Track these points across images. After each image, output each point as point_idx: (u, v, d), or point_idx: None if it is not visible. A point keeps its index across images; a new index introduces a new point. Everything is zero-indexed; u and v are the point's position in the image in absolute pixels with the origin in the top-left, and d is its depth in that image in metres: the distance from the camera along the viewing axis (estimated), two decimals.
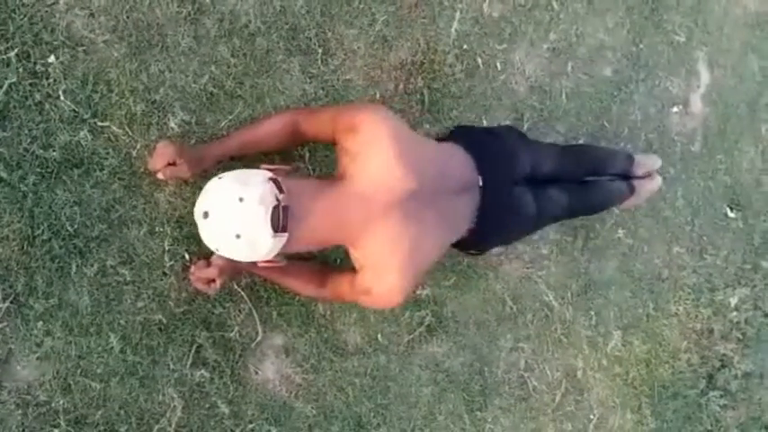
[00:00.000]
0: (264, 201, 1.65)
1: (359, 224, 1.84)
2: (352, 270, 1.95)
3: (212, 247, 1.73)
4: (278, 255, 1.77)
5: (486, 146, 2.22)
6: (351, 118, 1.87)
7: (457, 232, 2.15)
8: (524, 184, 2.28)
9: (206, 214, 1.66)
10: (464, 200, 2.12)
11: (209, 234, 1.70)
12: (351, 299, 1.99)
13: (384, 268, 1.86)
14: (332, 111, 2.01)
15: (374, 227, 1.84)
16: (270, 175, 1.74)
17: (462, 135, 2.31)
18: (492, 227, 2.19)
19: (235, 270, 2.03)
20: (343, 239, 1.89)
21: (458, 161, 2.14)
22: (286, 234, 1.70)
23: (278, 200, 1.68)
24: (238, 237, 1.65)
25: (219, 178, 1.73)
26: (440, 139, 2.33)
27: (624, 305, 3.09)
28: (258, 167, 1.81)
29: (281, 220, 1.67)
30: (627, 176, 2.81)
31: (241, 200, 1.64)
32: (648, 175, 2.88)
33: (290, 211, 1.70)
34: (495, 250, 2.63)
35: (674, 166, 3.18)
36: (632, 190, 2.79)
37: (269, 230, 1.66)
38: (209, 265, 1.98)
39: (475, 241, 2.23)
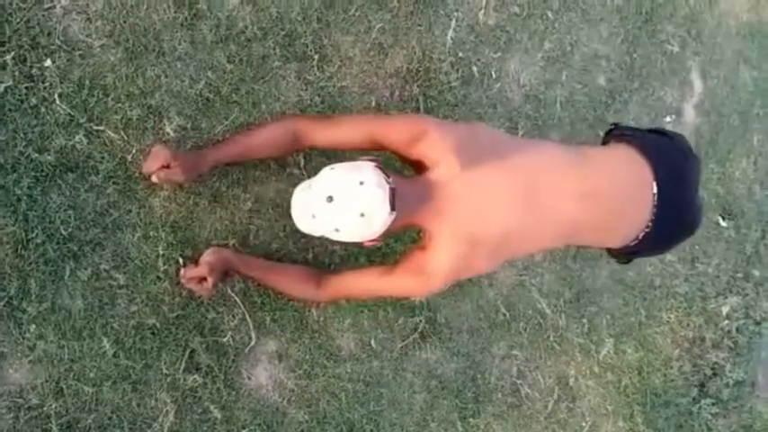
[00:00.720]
0: (381, 184, 1.80)
1: (441, 209, 1.93)
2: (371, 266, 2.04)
3: (331, 228, 1.81)
4: (382, 234, 1.87)
5: (665, 150, 2.20)
6: (407, 130, 1.96)
7: (565, 242, 2.21)
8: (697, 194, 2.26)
9: (330, 198, 1.77)
10: (609, 208, 2.08)
11: (333, 216, 1.79)
12: (375, 287, 2.05)
13: (444, 249, 1.93)
14: (359, 122, 2.08)
15: (446, 214, 1.93)
16: (374, 163, 1.87)
17: (631, 137, 2.25)
18: (663, 238, 2.20)
19: (225, 267, 2.04)
20: (423, 221, 1.97)
21: (605, 166, 2.13)
22: (395, 213, 1.83)
23: (389, 183, 1.82)
24: (362, 215, 1.78)
25: (332, 168, 1.84)
26: (604, 142, 2.34)
27: (616, 313, 3.10)
28: (358, 159, 1.91)
29: (393, 200, 1.81)
30: None
31: (362, 183, 1.78)
32: None
33: (396, 194, 1.82)
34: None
35: None
36: None
37: (388, 209, 1.80)
38: (198, 264, 2.00)
39: (643, 249, 2.22)
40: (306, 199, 1.84)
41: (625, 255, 2.31)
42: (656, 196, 2.11)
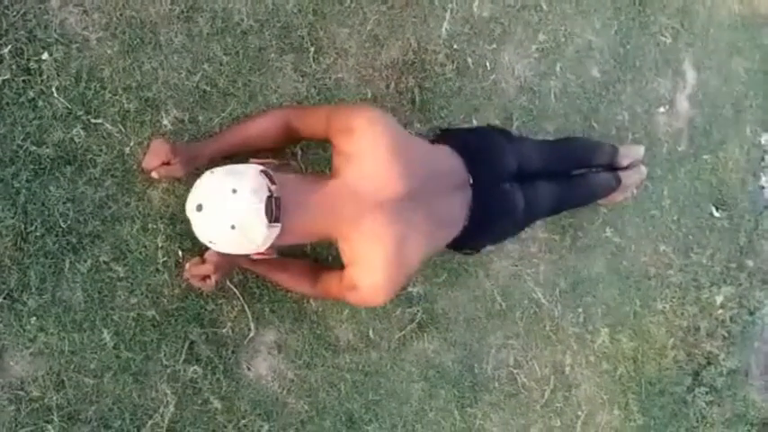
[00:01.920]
0: (258, 191, 1.68)
1: (349, 219, 1.86)
2: (342, 267, 1.96)
3: (206, 240, 1.75)
4: (270, 247, 1.79)
5: (473, 145, 2.25)
6: (346, 119, 1.89)
7: (450, 232, 2.17)
8: (513, 181, 2.31)
9: (199, 207, 1.69)
10: (457, 199, 2.14)
11: (204, 227, 1.72)
12: (339, 296, 2.00)
13: (371, 264, 1.87)
14: (326, 110, 2.02)
15: (363, 223, 1.86)
16: (261, 167, 1.77)
17: (449, 137, 2.32)
18: (484, 225, 2.23)
19: (230, 266, 2.04)
20: (333, 233, 1.90)
21: (448, 162, 2.16)
22: (279, 224, 1.72)
23: (270, 191, 1.71)
24: (233, 228, 1.67)
25: (211, 172, 1.75)
26: (431, 142, 2.34)
27: (612, 303, 3.12)
28: (247, 162, 1.84)
29: (273, 210, 1.70)
30: (613, 168, 2.84)
31: (234, 191, 1.66)
32: (634, 166, 2.91)
33: (282, 203, 1.72)
34: (487, 248, 2.64)
35: (661, 166, 3.23)
36: (619, 181, 2.83)
37: (263, 220, 1.68)
38: (203, 261, 1.98)
39: (468, 240, 2.25)
40: (186, 205, 1.76)
41: (458, 245, 2.30)
42: (472, 188, 2.16)
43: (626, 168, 2.88)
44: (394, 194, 1.88)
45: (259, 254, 1.81)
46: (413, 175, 1.92)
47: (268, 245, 1.76)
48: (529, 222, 2.57)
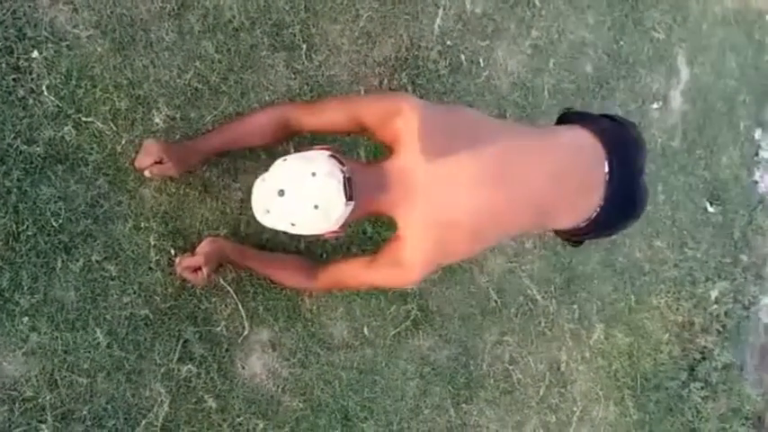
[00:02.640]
0: (334, 173, 1.75)
1: (406, 198, 1.88)
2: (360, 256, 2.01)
3: (287, 223, 1.78)
4: (342, 225, 1.84)
5: (615, 134, 2.19)
6: (383, 108, 1.90)
7: (555, 219, 2.13)
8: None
9: (281, 192, 1.73)
10: (581, 186, 2.08)
11: (286, 210, 1.76)
12: (359, 280, 2.03)
13: (417, 239, 1.89)
14: (343, 102, 2.05)
15: (418, 204, 1.88)
16: (329, 152, 1.83)
17: (586, 120, 2.25)
18: (612, 219, 2.19)
19: (221, 258, 2.05)
20: (391, 210, 1.93)
21: (568, 147, 2.11)
22: (353, 202, 1.79)
23: (343, 172, 1.77)
24: (316, 207, 1.74)
25: (284, 160, 1.80)
26: (559, 122, 2.33)
27: (606, 299, 3.13)
28: (311, 149, 1.88)
29: (347, 189, 1.77)
30: None
31: (314, 174, 1.73)
32: None
33: (353, 182, 1.78)
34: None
35: (655, 162, 3.23)
36: None
37: (343, 199, 1.76)
38: (194, 253, 1.99)
39: (594, 231, 2.21)
40: (260, 193, 1.80)
41: (577, 236, 2.29)
42: (607, 176, 2.10)
43: None
44: (451, 175, 1.89)
45: (332, 232, 1.85)
46: (479, 157, 1.91)
47: (341, 222, 1.82)
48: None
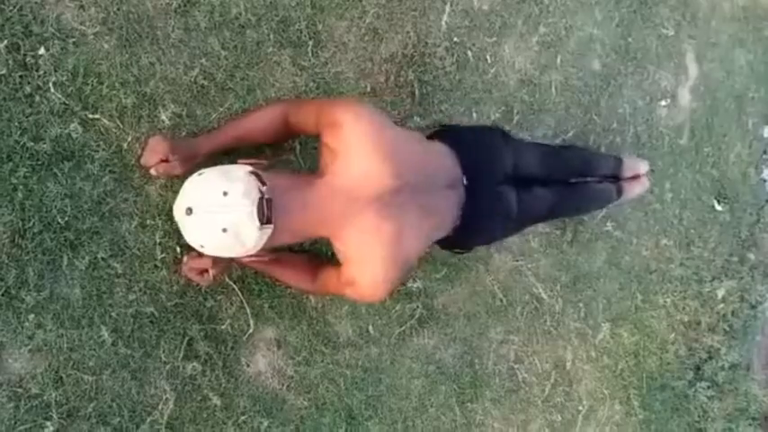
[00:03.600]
0: (249, 193, 1.64)
1: (340, 218, 1.83)
2: (339, 263, 1.95)
3: (196, 244, 1.72)
4: (262, 249, 1.75)
5: (469, 144, 2.21)
6: (332, 113, 1.85)
7: (443, 228, 2.13)
8: (509, 184, 2.27)
9: (189, 210, 1.65)
10: (450, 197, 2.10)
11: (194, 230, 1.69)
12: (337, 292, 1.99)
13: (367, 261, 1.85)
14: (316, 104, 2.00)
15: (356, 220, 1.82)
16: (250, 168, 1.73)
17: (447, 134, 2.27)
18: (475, 225, 2.18)
19: (228, 261, 2.02)
20: (325, 232, 1.88)
21: (443, 159, 2.13)
22: (271, 226, 1.69)
23: (261, 192, 1.67)
24: (225, 231, 1.64)
25: (199, 174, 1.72)
26: (427, 137, 2.32)
27: (613, 297, 3.11)
28: (236, 162, 1.79)
29: (265, 211, 1.66)
30: (615, 178, 2.81)
31: (225, 193, 1.63)
32: (636, 178, 2.90)
33: (273, 204, 1.69)
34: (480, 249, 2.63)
35: (662, 160, 3.21)
36: (620, 192, 2.80)
37: (255, 222, 1.65)
38: (202, 255, 1.97)
39: (459, 239, 2.22)
40: (174, 208, 1.72)
41: (451, 244, 2.29)
42: (464, 188, 2.12)
43: (628, 180, 2.85)
44: (384, 190, 1.84)
45: (250, 256, 1.78)
46: (403, 171, 1.88)
47: (259, 247, 1.73)
48: (522, 226, 2.53)
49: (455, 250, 2.42)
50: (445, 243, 2.25)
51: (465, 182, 2.13)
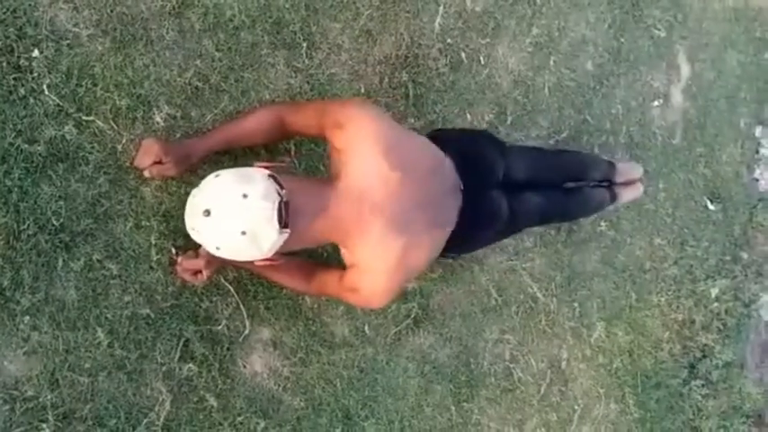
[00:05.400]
0: (268, 196, 1.63)
1: (351, 223, 1.81)
2: (340, 267, 1.95)
3: (212, 246, 1.69)
4: (276, 253, 1.74)
5: (464, 149, 2.20)
6: (337, 114, 1.84)
7: (447, 233, 2.11)
8: (500, 189, 2.26)
9: (207, 212, 1.62)
10: (451, 203, 2.09)
11: (211, 233, 1.65)
12: (336, 295, 1.99)
13: (373, 269, 1.85)
14: (317, 106, 2.00)
15: (365, 226, 1.81)
16: (268, 171, 1.71)
17: (443, 138, 2.24)
18: (469, 231, 2.16)
19: (222, 261, 2.01)
20: (336, 237, 1.87)
21: (444, 163, 2.12)
22: (288, 230, 1.67)
23: (280, 195, 1.65)
24: (243, 233, 1.62)
25: (216, 176, 1.69)
26: None
27: (607, 296, 3.12)
28: (252, 165, 1.77)
29: (283, 216, 1.65)
30: (608, 183, 2.81)
31: (245, 196, 1.61)
32: (630, 183, 2.90)
33: (291, 208, 1.67)
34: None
35: (655, 160, 3.22)
36: (614, 197, 2.80)
37: (275, 226, 1.63)
38: (197, 255, 1.97)
39: (452, 245, 2.18)
40: (189, 209, 1.69)
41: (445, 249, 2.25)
42: (462, 192, 2.11)
43: (622, 185, 2.85)
44: (391, 193, 1.83)
45: (264, 260, 1.75)
46: (411, 174, 1.87)
47: (274, 251, 1.71)
48: (512, 232, 2.53)
49: (446, 255, 2.39)
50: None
51: (462, 187, 2.12)
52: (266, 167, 1.74)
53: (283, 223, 1.64)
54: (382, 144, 1.82)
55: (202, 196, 1.66)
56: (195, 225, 1.67)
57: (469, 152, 2.21)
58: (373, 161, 1.81)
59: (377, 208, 1.82)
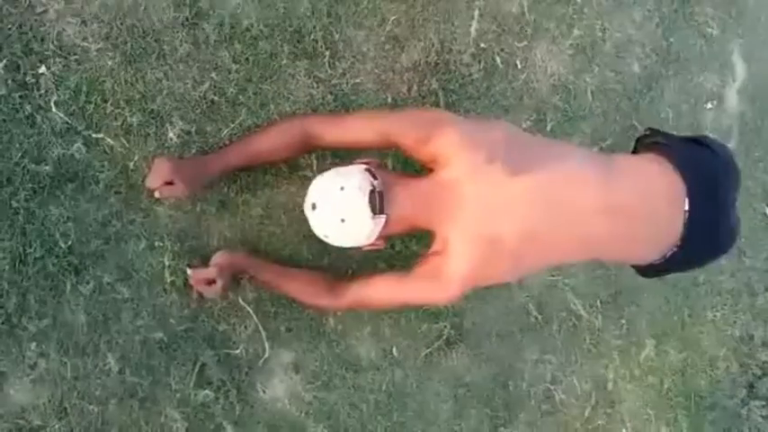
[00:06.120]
0: (362, 187, 1.81)
1: (446, 215, 1.89)
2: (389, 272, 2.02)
3: (322, 234, 1.87)
4: (379, 237, 1.88)
5: (700, 163, 2.06)
6: (424, 130, 1.89)
7: (590, 255, 2.14)
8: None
9: (314, 206, 1.83)
10: (633, 225, 1.97)
11: (319, 223, 1.85)
12: (392, 295, 1.97)
13: (460, 258, 1.87)
14: (369, 117, 2.01)
15: (459, 221, 1.88)
16: (364, 166, 1.88)
17: (665, 144, 2.12)
18: (691, 258, 2.11)
19: (235, 270, 2.01)
20: (431, 225, 1.94)
21: (635, 181, 1.99)
22: (384, 216, 1.83)
23: (373, 186, 1.82)
24: (343, 221, 1.81)
25: (321, 175, 1.88)
26: (634, 151, 2.23)
27: (657, 312, 2.98)
28: (352, 163, 1.92)
29: (377, 203, 1.81)
30: None
31: (342, 188, 1.80)
32: None
33: (386, 196, 1.83)
34: None
35: None
36: None
37: (368, 213, 1.80)
38: (207, 265, 1.98)
39: (665, 269, 2.14)
40: (304, 207, 1.88)
41: (652, 272, 2.19)
42: (687, 214, 1.97)
43: None
44: (495, 194, 1.87)
45: (370, 244, 1.89)
46: (523, 179, 1.87)
47: (375, 235, 1.86)
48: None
49: (648, 275, 2.30)
50: (647, 268, 2.16)
51: (687, 207, 1.97)
52: (362, 163, 1.91)
53: (378, 210, 1.82)
54: (473, 146, 1.87)
55: (310, 193, 1.86)
56: (309, 218, 1.87)
57: (707, 169, 2.06)
58: (466, 163, 1.87)
59: (471, 203, 1.87)
